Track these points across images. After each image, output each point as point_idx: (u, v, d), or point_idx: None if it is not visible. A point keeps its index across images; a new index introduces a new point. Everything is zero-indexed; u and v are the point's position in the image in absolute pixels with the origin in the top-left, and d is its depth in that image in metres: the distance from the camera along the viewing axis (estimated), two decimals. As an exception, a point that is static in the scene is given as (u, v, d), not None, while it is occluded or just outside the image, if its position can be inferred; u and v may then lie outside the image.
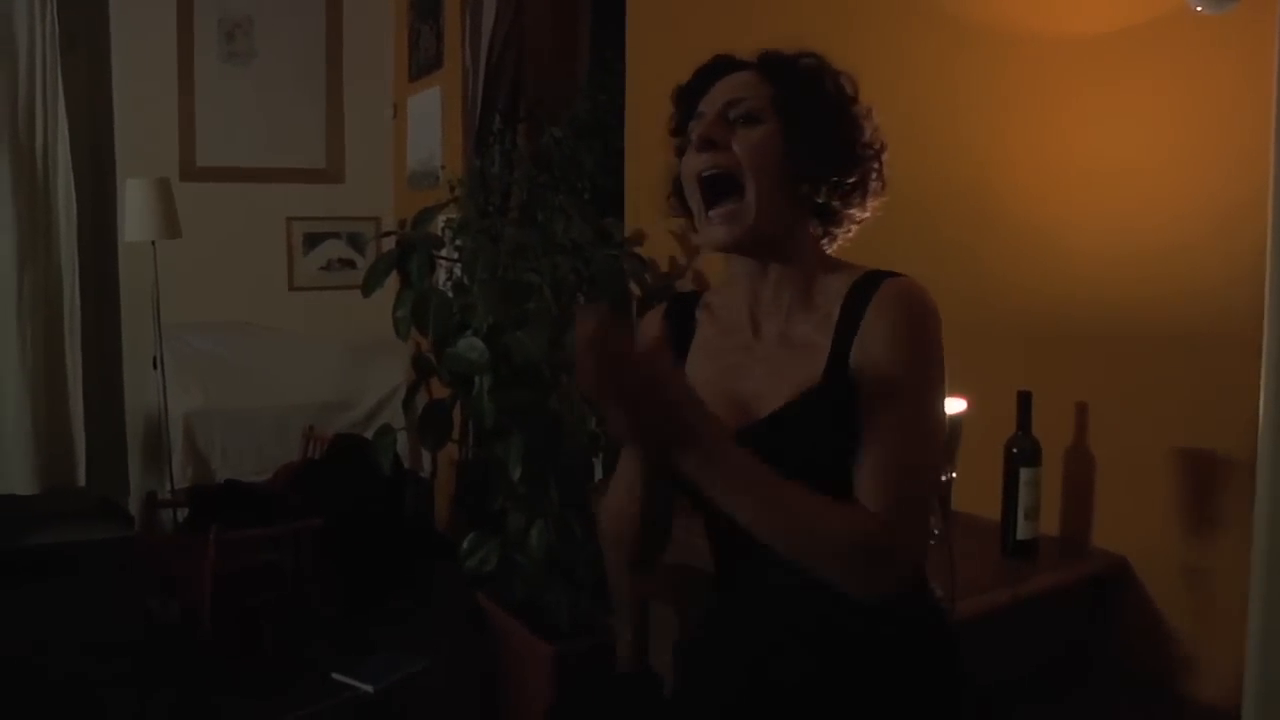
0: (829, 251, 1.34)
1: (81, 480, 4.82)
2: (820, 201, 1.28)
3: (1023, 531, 1.87)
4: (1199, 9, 1.55)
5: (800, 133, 1.24)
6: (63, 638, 3.67)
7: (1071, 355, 1.97)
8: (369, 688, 3.20)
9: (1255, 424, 1.40)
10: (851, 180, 1.28)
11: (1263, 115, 1.41)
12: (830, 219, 1.30)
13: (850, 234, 1.34)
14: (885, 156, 1.31)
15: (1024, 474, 1.87)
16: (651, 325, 1.42)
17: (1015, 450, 1.89)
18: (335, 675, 3.24)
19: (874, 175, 1.30)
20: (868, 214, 1.32)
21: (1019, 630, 1.76)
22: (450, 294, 2.99)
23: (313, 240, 5.36)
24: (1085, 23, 1.92)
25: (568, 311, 2.84)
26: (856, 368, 1.20)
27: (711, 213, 1.25)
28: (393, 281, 3.01)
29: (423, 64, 5.09)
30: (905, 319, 1.19)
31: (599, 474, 3.07)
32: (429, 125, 4.99)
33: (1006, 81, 2.08)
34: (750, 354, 1.30)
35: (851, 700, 1.24)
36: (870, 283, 1.23)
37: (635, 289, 2.98)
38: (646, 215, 3.16)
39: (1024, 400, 1.89)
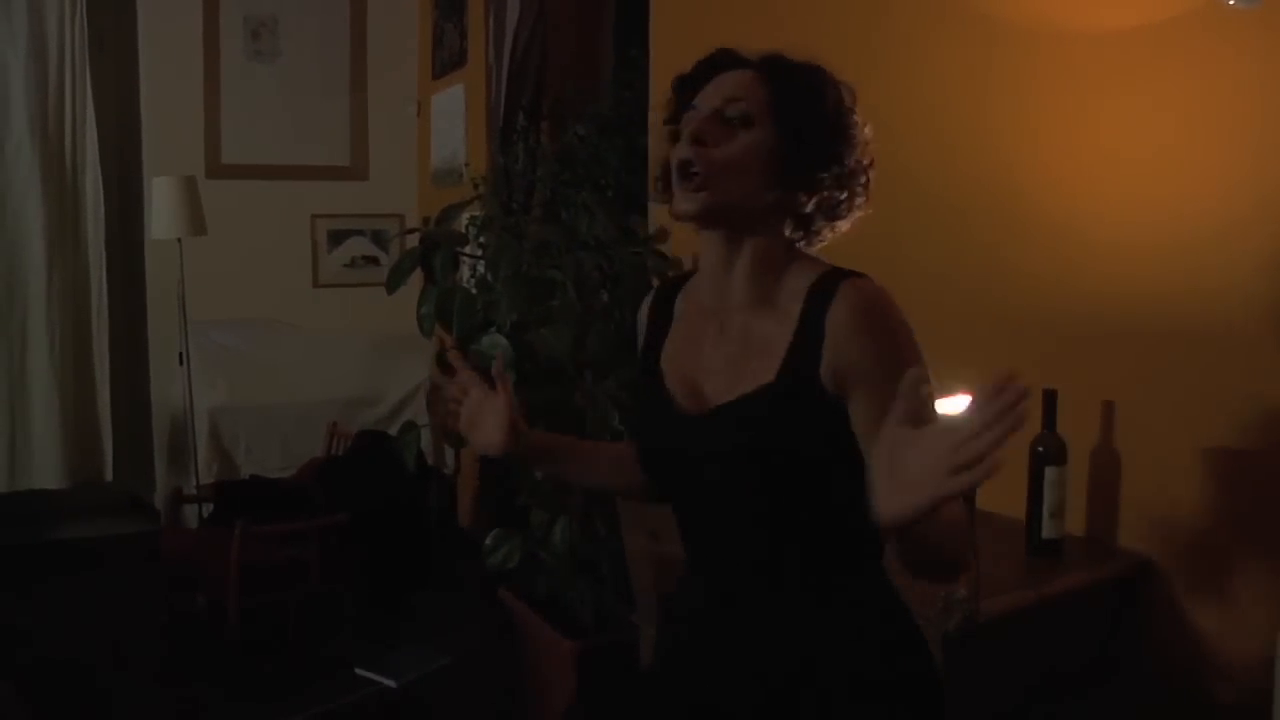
0: (807, 249, 1.33)
1: (108, 475, 4.87)
2: (804, 212, 1.27)
3: (1048, 531, 1.86)
4: (1232, 2, 1.54)
5: (793, 142, 1.24)
6: (89, 632, 3.70)
7: (1098, 353, 1.96)
8: (392, 683, 3.21)
9: (1285, 423, 1.39)
10: (840, 196, 1.28)
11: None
12: (810, 227, 1.30)
13: (824, 243, 1.33)
14: (873, 172, 1.30)
15: (1049, 473, 1.86)
16: (642, 312, 1.47)
17: (1040, 449, 1.88)
18: (359, 670, 3.25)
19: (860, 191, 1.29)
20: (846, 226, 1.32)
21: (1043, 630, 1.75)
22: (474, 291, 3.00)
23: (337, 237, 5.39)
24: (1112, 18, 1.91)
25: (591, 308, 2.84)
26: (833, 379, 1.20)
27: (683, 184, 1.25)
28: (416, 278, 3.02)
29: (446, 61, 5.10)
30: (877, 325, 1.19)
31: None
32: (453, 123, 5.00)
33: (1033, 77, 2.07)
34: (714, 346, 1.31)
35: (815, 692, 1.26)
36: (830, 283, 1.22)
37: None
38: (669, 213, 3.16)
39: (1049, 398, 1.88)
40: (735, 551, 1.31)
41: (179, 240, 4.24)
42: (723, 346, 1.30)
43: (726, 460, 1.26)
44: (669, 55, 3.25)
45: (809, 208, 1.27)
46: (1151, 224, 1.86)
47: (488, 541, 2.99)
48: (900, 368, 1.18)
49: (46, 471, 4.69)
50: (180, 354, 4.35)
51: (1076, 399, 1.92)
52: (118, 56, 5.07)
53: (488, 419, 1.42)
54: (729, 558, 1.32)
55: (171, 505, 4.50)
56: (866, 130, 1.30)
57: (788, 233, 1.30)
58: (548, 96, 4.05)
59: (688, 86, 1.32)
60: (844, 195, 1.28)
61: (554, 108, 4.02)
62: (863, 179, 1.29)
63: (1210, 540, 1.78)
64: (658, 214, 3.23)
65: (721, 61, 1.31)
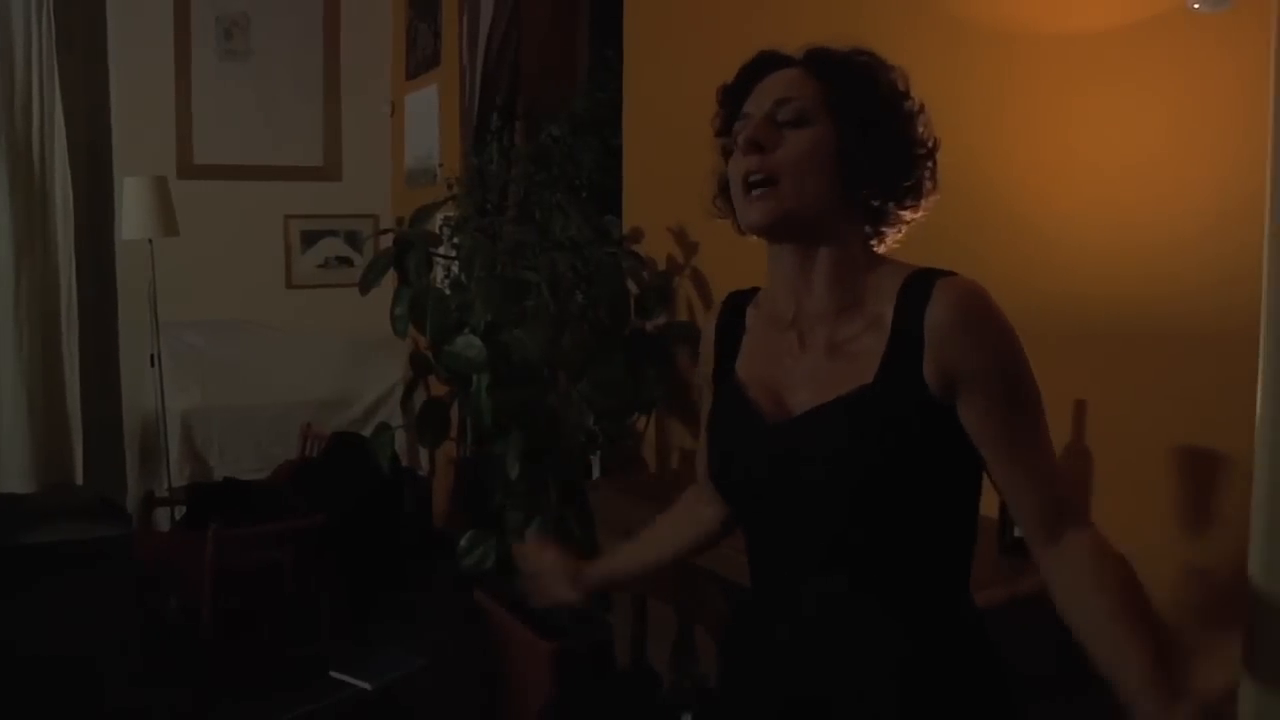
0: (878, 251, 1.29)
1: (79, 478, 4.82)
2: (875, 205, 1.23)
3: (1019, 529, 1.87)
4: (1196, 7, 1.55)
5: (854, 134, 1.19)
6: (61, 636, 3.67)
7: (1070, 353, 1.97)
8: (367, 685, 3.20)
9: (1253, 422, 1.41)
10: (908, 182, 1.23)
11: (1261, 113, 1.41)
12: (883, 221, 1.25)
13: (901, 234, 1.29)
14: (938, 154, 1.26)
15: (1022, 471, 1.87)
16: (709, 330, 1.41)
17: (1013, 448, 1.88)
18: (334, 673, 3.24)
19: (928, 175, 1.25)
20: (920, 214, 1.27)
21: (1016, 629, 1.76)
22: (448, 292, 3.00)
23: (310, 238, 5.36)
24: (1085, 20, 1.92)
25: (566, 309, 2.84)
26: (941, 382, 1.16)
27: (750, 194, 1.20)
28: (390, 279, 3.01)
29: (420, 62, 5.08)
30: (986, 325, 1.18)
31: (596, 472, 3.07)
32: (427, 123, 4.99)
33: (1005, 79, 2.08)
34: (795, 360, 1.25)
35: (894, 714, 1.20)
36: (924, 282, 1.18)
37: (633, 287, 2.98)
38: (644, 213, 3.16)
39: (1022, 398, 1.89)
40: (816, 568, 1.23)
41: (150, 241, 4.21)
42: (805, 359, 1.24)
43: (817, 465, 1.17)
44: (643, 56, 3.24)
45: (879, 199, 1.22)
46: (1122, 226, 1.88)
47: (463, 542, 2.98)
48: (1010, 367, 1.18)
49: (15, 475, 4.63)
50: (152, 355, 4.32)
51: (1048, 398, 1.92)
52: (87, 55, 5.02)
53: (550, 580, 1.54)
54: (808, 575, 1.23)
55: (144, 508, 4.47)
56: (926, 112, 1.26)
57: (861, 228, 1.25)
58: (522, 97, 4.04)
59: (734, 95, 1.27)
60: (913, 182, 1.23)
61: (528, 108, 4.02)
62: (930, 163, 1.25)
63: (1180, 537, 1.80)
64: (632, 214, 3.24)
65: (765, 64, 1.27)
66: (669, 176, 2.95)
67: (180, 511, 4.09)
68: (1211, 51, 1.71)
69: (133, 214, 4.19)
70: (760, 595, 1.33)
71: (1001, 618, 1.69)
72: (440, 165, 4.74)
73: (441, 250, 3.11)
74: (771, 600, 1.30)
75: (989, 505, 1.90)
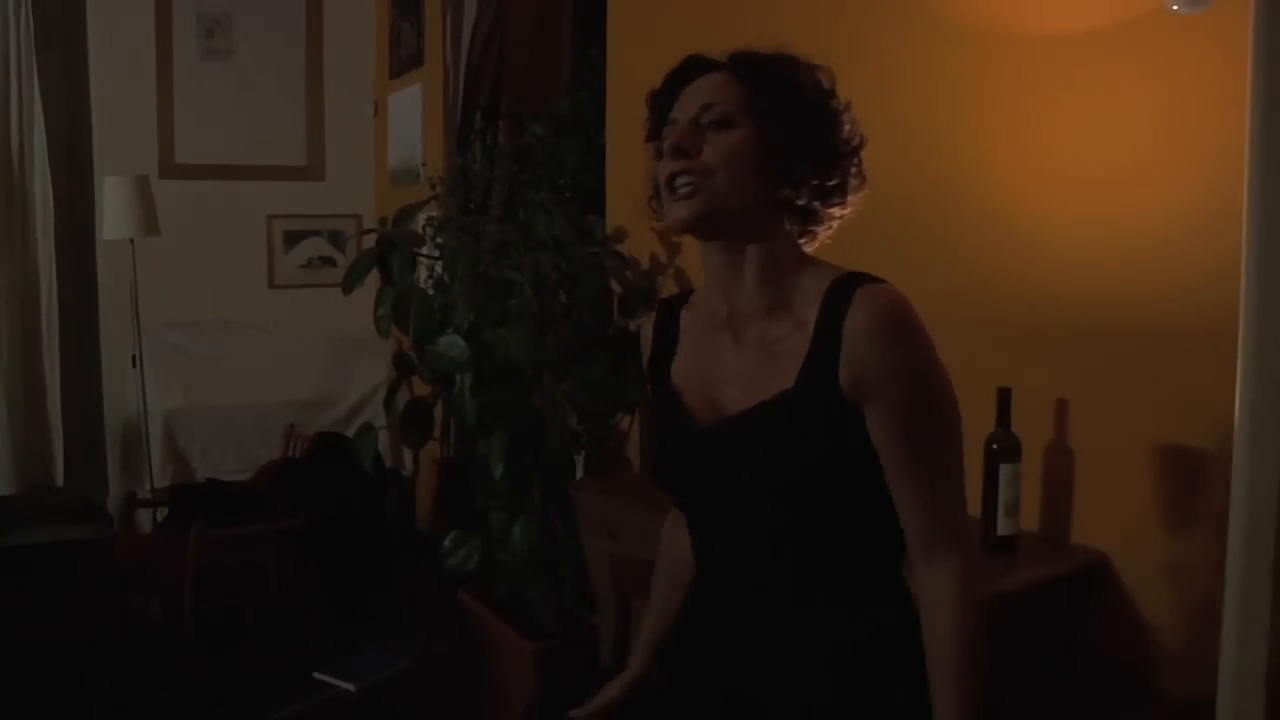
0: (808, 250, 1.31)
1: (60, 480, 4.79)
2: (801, 203, 1.25)
3: (1003, 528, 1.88)
4: (1174, 9, 1.56)
5: (776, 135, 1.22)
6: (41, 639, 3.64)
7: (1051, 352, 1.98)
8: (351, 687, 3.19)
9: (1232, 421, 1.42)
10: (832, 181, 1.25)
11: (1240, 114, 1.42)
12: (811, 219, 1.28)
13: (831, 231, 1.31)
14: (864, 151, 1.28)
15: (1004, 470, 1.88)
16: (646, 330, 1.45)
17: (995, 447, 1.90)
18: (317, 674, 3.23)
19: (854, 172, 1.27)
20: (848, 211, 1.30)
21: (999, 627, 1.77)
22: (431, 292, 2.99)
23: (293, 238, 5.34)
24: (1065, 22, 1.93)
25: (549, 309, 2.84)
26: (853, 388, 1.18)
27: (676, 189, 1.23)
28: (374, 279, 3.00)
29: (404, 61, 5.07)
30: (899, 336, 1.18)
31: (580, 472, 3.07)
32: (410, 122, 4.97)
33: (987, 80, 2.09)
34: (730, 356, 1.29)
35: (826, 704, 1.25)
36: (847, 288, 1.20)
37: (616, 286, 2.98)
38: (628, 213, 3.16)
39: (1004, 397, 1.90)
40: (753, 562, 1.28)
41: (131, 241, 4.19)
42: (739, 355, 1.28)
43: (747, 467, 1.23)
44: (627, 55, 3.25)
45: (804, 199, 1.25)
46: (1103, 227, 1.89)
47: (446, 543, 2.97)
48: (918, 380, 1.19)
49: (-5, 476, 4.61)
50: (133, 356, 4.30)
51: (1030, 397, 1.94)
52: (66, 52, 4.99)
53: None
54: (746, 569, 1.29)
55: (125, 510, 4.44)
56: (851, 111, 1.28)
57: (788, 226, 1.27)
58: (506, 96, 4.04)
59: (662, 101, 1.30)
60: (837, 180, 1.26)
61: (512, 108, 4.01)
62: (855, 160, 1.27)
63: (1161, 535, 1.81)
64: (615, 214, 3.24)
65: (691, 69, 1.29)
66: (652, 177, 2.94)
67: (162, 513, 4.07)
68: (1192, 52, 1.72)
69: (114, 213, 4.16)
70: (702, 586, 1.38)
71: (985, 614, 1.70)
72: (424, 165, 4.73)
73: (425, 250, 3.10)
74: (712, 591, 1.35)
75: (971, 504, 1.91)
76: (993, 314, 2.09)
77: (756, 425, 1.22)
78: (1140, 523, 1.83)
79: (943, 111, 2.19)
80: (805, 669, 1.25)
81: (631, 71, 3.20)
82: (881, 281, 1.22)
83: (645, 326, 1.46)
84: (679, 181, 1.22)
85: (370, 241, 3.04)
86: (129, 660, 3.51)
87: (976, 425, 1.90)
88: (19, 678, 3.34)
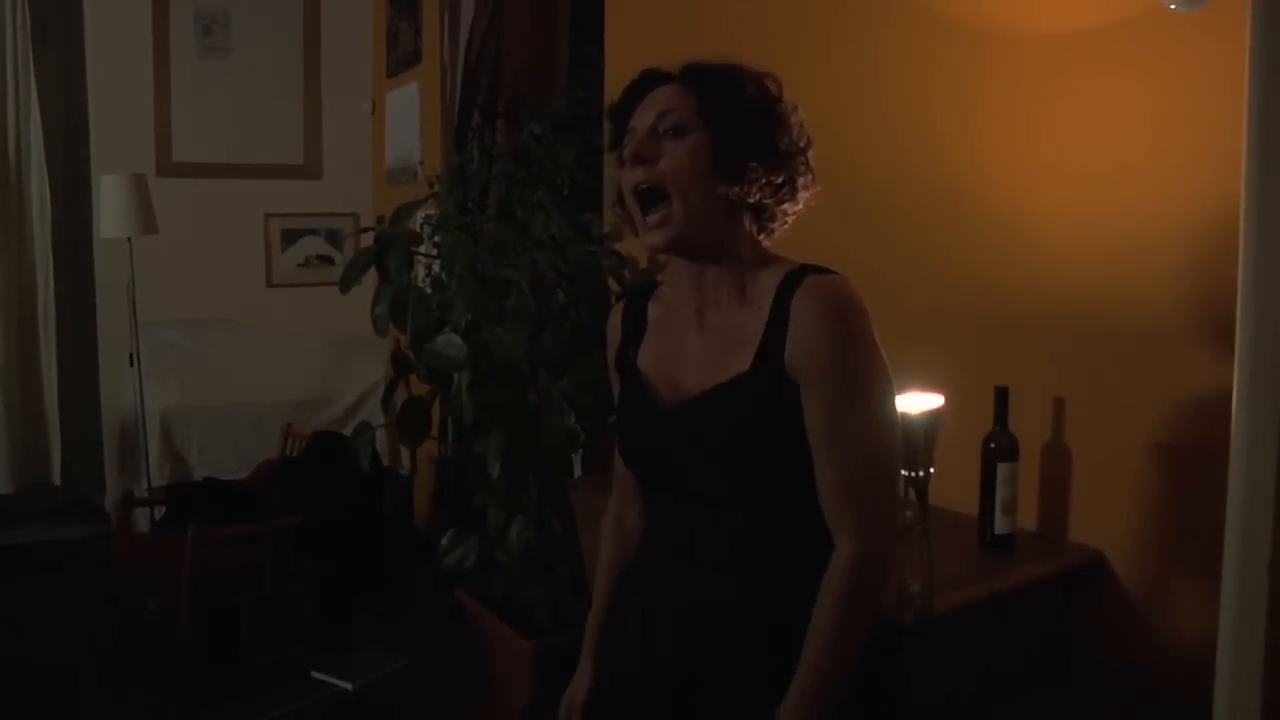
0: (766, 243, 1.40)
1: (57, 478, 4.79)
2: (752, 201, 1.33)
3: (1000, 526, 1.88)
4: (1172, 7, 1.56)
5: (725, 139, 1.30)
6: (39, 637, 3.64)
7: (1048, 351, 1.98)
8: (348, 685, 3.19)
9: (1228, 418, 1.42)
10: (780, 179, 1.34)
11: (1236, 113, 1.42)
12: (763, 215, 1.37)
13: (786, 225, 1.39)
14: (811, 151, 1.37)
15: (1001, 469, 1.88)
16: (615, 319, 1.54)
17: (993, 445, 1.90)
18: (315, 673, 3.23)
19: (802, 170, 1.36)
20: (800, 206, 1.38)
21: (997, 624, 1.77)
22: (429, 290, 2.98)
23: (291, 236, 5.34)
24: (1061, 20, 1.93)
25: (547, 308, 2.84)
26: (793, 369, 1.27)
27: (647, 219, 1.33)
28: (371, 278, 3.00)
29: (401, 60, 5.07)
30: (832, 319, 1.26)
31: (578, 470, 3.07)
32: (407, 121, 4.97)
33: (982, 79, 2.09)
34: (691, 342, 1.39)
35: (764, 681, 1.30)
36: (798, 277, 1.29)
37: (613, 285, 2.98)
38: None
39: (1001, 396, 1.90)
40: (711, 540, 1.35)
41: (129, 239, 4.18)
42: (702, 338, 1.37)
43: (705, 448, 1.32)
44: (624, 54, 3.25)
45: (755, 196, 1.33)
46: (1100, 226, 1.89)
47: (443, 542, 2.97)
48: (851, 368, 1.25)
49: (-8, 475, 4.60)
50: (131, 354, 4.29)
51: (1028, 396, 1.94)
52: (63, 49, 4.98)
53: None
54: (701, 545, 1.37)
55: (122, 508, 4.43)
56: (798, 113, 1.36)
57: (746, 225, 1.36)
58: (503, 95, 4.04)
59: (621, 112, 1.39)
60: (784, 178, 1.34)
61: (509, 106, 4.01)
62: (801, 159, 1.36)
63: (1158, 533, 1.81)
64: (612, 213, 3.23)
65: (648, 81, 1.38)
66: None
67: (159, 512, 4.06)
68: (1189, 51, 1.72)
69: (111, 212, 4.16)
70: (658, 569, 1.46)
71: (982, 614, 1.71)
72: (421, 163, 4.73)
73: (422, 249, 3.10)
74: (667, 572, 1.43)
75: (969, 503, 1.92)
76: (989, 313, 2.09)
77: (714, 405, 1.32)
78: (1137, 521, 1.83)
79: (939, 110, 2.19)
80: (747, 647, 1.33)
81: (630, 70, 3.19)
82: (831, 272, 1.30)
83: (613, 316, 1.54)
84: (651, 217, 1.32)
85: (368, 240, 3.03)
86: (125, 659, 3.51)
87: (974, 424, 1.90)
88: (15, 677, 3.33)
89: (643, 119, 1.34)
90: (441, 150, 4.46)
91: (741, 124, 1.31)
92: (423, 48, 4.81)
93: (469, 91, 4.18)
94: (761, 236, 1.39)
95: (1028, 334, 2.02)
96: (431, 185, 3.66)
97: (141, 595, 3.69)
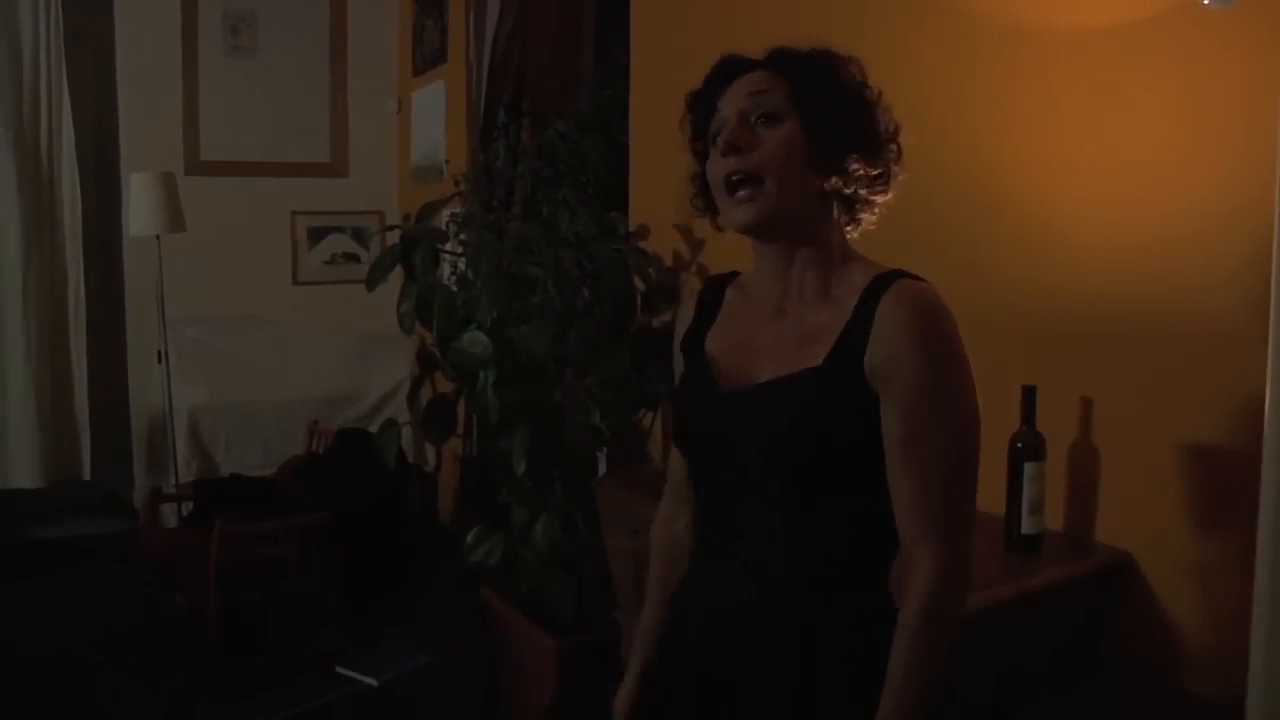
0: (852, 236, 1.36)
1: (86, 474, 4.83)
2: (847, 192, 1.29)
3: (1027, 526, 1.87)
4: (1206, 2, 1.54)
5: (823, 127, 1.26)
6: (68, 631, 3.68)
7: (1076, 350, 1.97)
8: (373, 681, 3.20)
9: (1260, 418, 1.40)
10: (877, 170, 1.30)
11: (1268, 108, 1.41)
12: (854, 205, 1.32)
13: (874, 218, 1.35)
14: (901, 137, 1.33)
15: (1028, 469, 1.87)
16: (689, 301, 1.49)
17: (1019, 445, 1.88)
18: (339, 669, 3.24)
19: (894, 158, 1.32)
20: (890, 197, 1.34)
21: (1023, 626, 1.76)
22: (454, 288, 2.99)
23: (317, 234, 5.37)
24: (1091, 17, 1.91)
25: (572, 305, 2.84)
26: (872, 373, 1.22)
27: (736, 195, 1.27)
28: (397, 276, 3.01)
29: (427, 58, 5.08)
30: (923, 328, 1.21)
31: (602, 468, 3.07)
32: (433, 119, 4.99)
33: (1013, 76, 2.08)
34: (765, 332, 1.34)
35: (792, 687, 1.27)
36: (887, 280, 1.25)
37: (638, 283, 2.98)
38: (651, 210, 3.16)
39: (1028, 395, 1.89)
40: (752, 533, 1.31)
41: (157, 237, 4.21)
42: (776, 328, 1.33)
43: (764, 438, 1.27)
44: (650, 53, 3.24)
45: (850, 188, 1.29)
46: (1130, 223, 1.87)
47: (468, 539, 2.98)
48: (936, 379, 1.21)
49: (23, 470, 4.64)
50: (159, 352, 4.32)
51: (1055, 395, 1.93)
52: (94, 50, 5.03)
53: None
54: (744, 541, 1.32)
55: (150, 504, 4.48)
56: (884, 98, 1.32)
57: (836, 216, 1.32)
58: (528, 93, 4.05)
59: (703, 101, 1.34)
60: (880, 168, 1.30)
61: (534, 105, 4.02)
62: (893, 146, 1.32)
63: (1187, 534, 1.79)
64: (638, 211, 3.23)
65: (731, 68, 1.33)
66: (675, 173, 2.94)
67: (187, 507, 4.09)
68: (1218, 48, 1.71)
69: (140, 210, 4.19)
70: (698, 562, 1.42)
71: (1008, 615, 1.70)
72: (447, 162, 4.74)
73: (448, 247, 3.11)
74: (708, 567, 1.38)
75: (995, 503, 1.91)
76: (1018, 311, 2.08)
77: (780, 395, 1.26)
78: (1166, 522, 1.82)
79: (970, 108, 2.18)
80: (776, 651, 1.28)
81: (656, 69, 3.20)
82: (922, 280, 1.26)
83: (689, 300, 1.50)
84: (740, 193, 1.26)
85: (394, 238, 3.05)
86: (153, 653, 3.54)
87: (1001, 423, 1.89)
88: (43, 671, 3.37)
89: (731, 106, 1.28)
90: (467, 148, 4.47)
91: (837, 111, 1.27)
92: (448, 46, 4.83)
93: (494, 90, 4.19)
94: (849, 229, 1.35)
95: (1055, 332, 2.01)
96: (457, 183, 3.68)
97: (168, 590, 3.73)
